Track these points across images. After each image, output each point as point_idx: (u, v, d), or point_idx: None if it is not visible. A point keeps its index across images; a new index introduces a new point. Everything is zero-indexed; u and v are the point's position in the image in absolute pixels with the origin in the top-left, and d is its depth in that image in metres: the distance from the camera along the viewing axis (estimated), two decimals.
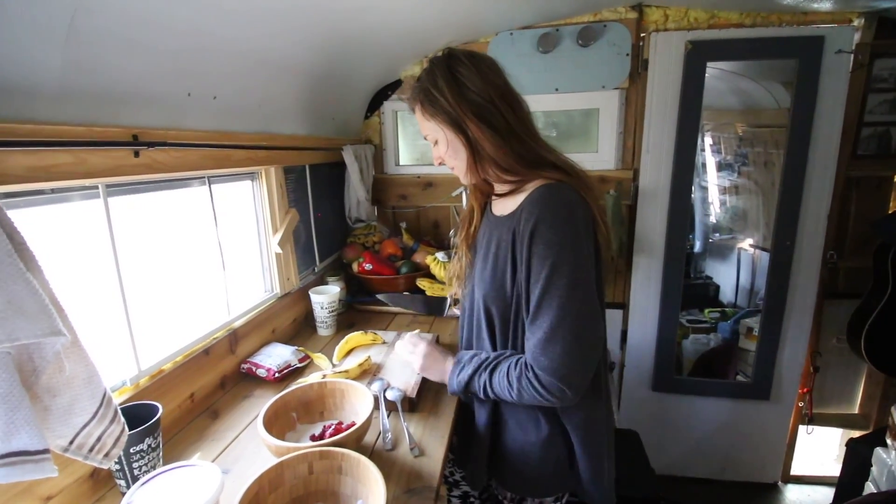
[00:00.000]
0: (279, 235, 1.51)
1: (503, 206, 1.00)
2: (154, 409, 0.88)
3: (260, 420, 0.91)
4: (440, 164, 1.02)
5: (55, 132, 0.75)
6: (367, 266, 1.84)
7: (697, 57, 1.83)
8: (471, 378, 0.98)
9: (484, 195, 1.10)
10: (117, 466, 0.82)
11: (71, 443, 0.65)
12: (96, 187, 0.92)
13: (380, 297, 1.31)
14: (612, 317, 2.18)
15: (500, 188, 0.99)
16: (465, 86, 0.90)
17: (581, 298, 0.85)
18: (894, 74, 1.86)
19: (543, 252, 0.85)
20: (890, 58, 1.83)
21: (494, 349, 1.01)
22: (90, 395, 0.67)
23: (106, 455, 0.70)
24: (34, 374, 0.60)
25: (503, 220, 0.98)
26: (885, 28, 1.78)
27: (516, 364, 0.91)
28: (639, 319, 2.13)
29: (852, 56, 1.76)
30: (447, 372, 1.06)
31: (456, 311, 1.37)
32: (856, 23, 1.78)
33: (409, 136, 2.24)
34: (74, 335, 0.65)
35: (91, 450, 0.68)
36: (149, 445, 0.84)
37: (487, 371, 0.96)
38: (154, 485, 0.74)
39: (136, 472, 0.83)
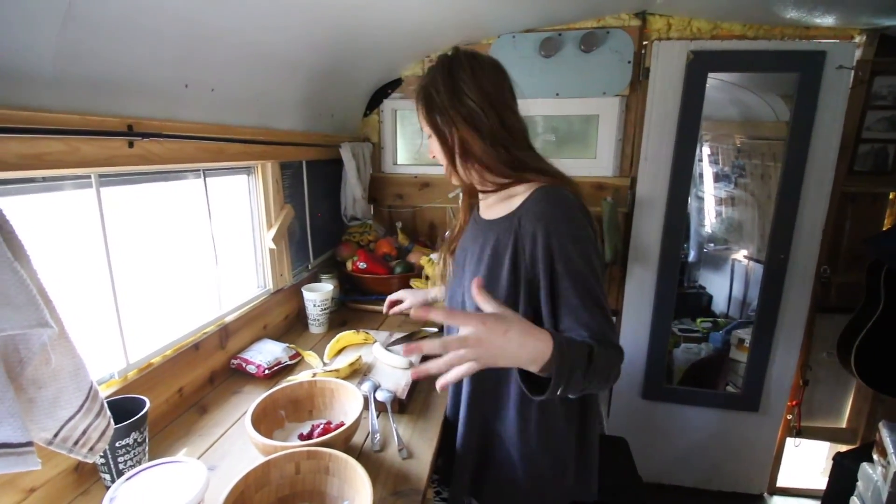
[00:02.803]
0: (273, 231, 1.50)
1: (493, 211, 1.00)
2: (141, 403, 0.87)
3: (248, 417, 0.90)
4: (433, 157, 1.03)
5: (48, 119, 0.74)
6: (362, 265, 1.83)
7: (699, 67, 1.83)
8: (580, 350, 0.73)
9: (471, 199, 1.11)
10: (102, 460, 0.81)
11: (55, 436, 0.65)
12: (89, 177, 0.91)
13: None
14: None
15: (484, 187, 0.98)
16: (462, 90, 0.92)
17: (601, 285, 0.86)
18: (893, 92, 1.87)
19: (570, 247, 0.83)
20: (890, 75, 1.84)
21: None
22: (76, 388, 0.66)
23: (91, 449, 0.69)
24: (20, 366, 0.59)
25: (497, 223, 0.96)
26: (886, 46, 1.78)
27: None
28: (631, 327, 2.13)
29: (853, 72, 1.76)
30: (547, 341, 0.70)
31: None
32: (857, 39, 1.79)
33: (408, 136, 2.23)
34: (62, 327, 0.64)
35: (76, 443, 0.67)
36: (135, 440, 0.83)
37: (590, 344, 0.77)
38: (139, 480, 0.74)
39: (121, 466, 0.82)
